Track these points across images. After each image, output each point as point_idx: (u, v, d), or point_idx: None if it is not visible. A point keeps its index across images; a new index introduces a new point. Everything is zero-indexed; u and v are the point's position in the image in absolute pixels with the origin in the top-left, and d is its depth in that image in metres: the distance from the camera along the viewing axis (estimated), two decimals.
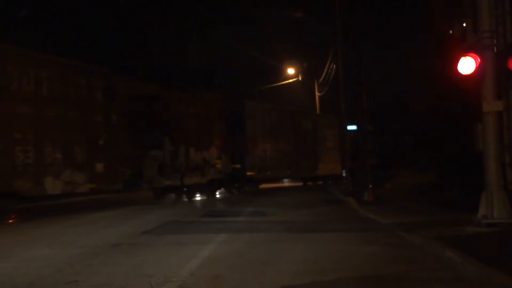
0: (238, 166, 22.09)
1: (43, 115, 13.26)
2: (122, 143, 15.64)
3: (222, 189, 22.21)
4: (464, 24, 9.88)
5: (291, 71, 35.15)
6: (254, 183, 24.15)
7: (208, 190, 20.48)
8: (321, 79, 30.09)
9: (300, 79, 34.88)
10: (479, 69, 9.04)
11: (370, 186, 16.95)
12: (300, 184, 29.91)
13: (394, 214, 12.40)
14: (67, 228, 11.37)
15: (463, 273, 6.20)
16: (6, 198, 12.28)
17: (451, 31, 10.53)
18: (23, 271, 6.69)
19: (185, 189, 19.30)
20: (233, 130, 21.56)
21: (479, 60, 9.02)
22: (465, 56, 9.08)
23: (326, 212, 14.61)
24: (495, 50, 9.25)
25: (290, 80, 35.27)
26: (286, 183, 30.76)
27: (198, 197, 18.63)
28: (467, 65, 9.05)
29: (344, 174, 22.74)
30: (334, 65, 23.79)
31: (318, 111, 32.89)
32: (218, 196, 21.40)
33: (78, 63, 14.94)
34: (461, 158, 15.75)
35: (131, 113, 16.15)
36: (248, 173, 22.70)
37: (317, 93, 33.09)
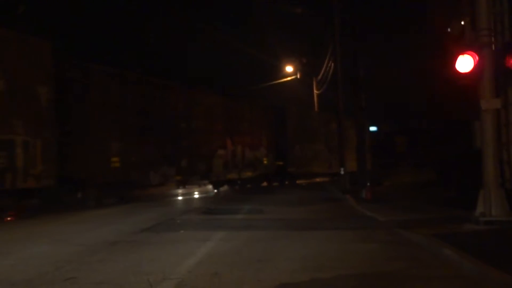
0: (281, 163, 25.88)
1: (147, 124, 17.13)
2: (198, 144, 19.72)
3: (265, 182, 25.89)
4: (462, 22, 9.88)
5: (289, 69, 35.14)
6: (293, 177, 27.47)
7: (258, 182, 24.55)
8: (319, 77, 30.08)
9: (298, 77, 34.87)
10: (477, 67, 9.05)
11: (368, 184, 16.97)
12: (328, 179, 30.89)
13: (392, 211, 12.42)
14: (66, 226, 11.36)
15: (461, 271, 6.21)
16: (125, 185, 16.38)
17: (449, 29, 10.53)
18: (21, 268, 6.69)
19: (239, 181, 23.31)
20: (277, 133, 25.35)
21: (477, 58, 9.03)
22: (463, 54, 9.09)
23: (324, 209, 14.62)
24: (493, 48, 9.26)
25: (289, 78, 35.25)
26: (317, 178, 32.06)
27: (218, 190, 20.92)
28: (465, 63, 9.05)
29: (342, 172, 22.78)
30: (333, 63, 23.78)
31: (316, 109, 32.91)
32: (218, 191, 21.50)
33: (169, 82, 19.16)
34: (459, 156, 15.77)
35: (204, 119, 20.15)
36: (289, 169, 26.21)
37: (315, 91, 33.08)
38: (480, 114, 9.30)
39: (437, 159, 20.82)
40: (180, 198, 19.59)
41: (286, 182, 26.89)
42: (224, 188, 22.84)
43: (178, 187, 22.01)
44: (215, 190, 22.32)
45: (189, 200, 19.29)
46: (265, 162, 24.80)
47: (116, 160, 15.82)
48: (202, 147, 19.89)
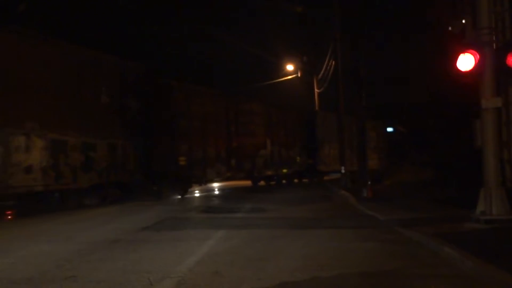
0: (311, 161, 28.51)
1: (206, 128, 20.05)
2: (245, 145, 22.67)
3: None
4: (463, 21, 9.86)
5: (290, 67, 35.11)
6: (321, 174, 29.81)
7: (292, 178, 27.90)
8: (320, 76, 30.08)
9: (299, 75, 34.84)
10: (478, 66, 9.04)
11: (369, 182, 16.96)
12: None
13: (393, 210, 12.42)
14: (66, 224, 11.37)
15: (461, 269, 6.21)
16: (189, 180, 19.58)
17: (450, 28, 10.51)
18: (21, 266, 6.69)
19: (275, 177, 26.40)
20: (308, 134, 28.07)
21: (478, 56, 9.01)
22: (464, 52, 9.07)
23: (324, 208, 14.62)
24: (494, 47, 9.25)
25: (289, 77, 35.23)
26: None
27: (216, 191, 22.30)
28: (466, 61, 9.04)
29: (343, 171, 22.86)
30: (333, 62, 23.77)
31: (317, 108, 32.91)
32: (216, 193, 21.62)
33: (218, 91, 22.32)
34: (459, 155, 15.78)
35: (248, 124, 23.22)
36: (318, 167, 28.66)
37: (316, 90, 33.06)
38: (481, 113, 9.29)
39: (438, 158, 20.83)
40: (186, 196, 19.65)
41: (315, 179, 29.30)
42: (261, 183, 26.30)
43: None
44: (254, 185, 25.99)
45: (192, 198, 19.30)
46: (298, 160, 27.79)
47: (183, 159, 18.85)
48: (247, 148, 23.04)
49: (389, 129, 28.60)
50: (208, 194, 20.67)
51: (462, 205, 10.85)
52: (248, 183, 26.14)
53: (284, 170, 26.33)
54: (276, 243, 8.32)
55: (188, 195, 19.68)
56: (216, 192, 21.83)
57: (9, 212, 13.02)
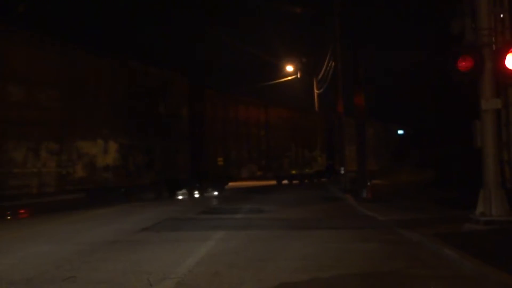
0: (331, 162, 30.65)
1: (239, 132, 22.73)
2: (273, 147, 25.29)
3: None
4: (463, 22, 9.87)
5: (289, 68, 35.13)
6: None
7: (314, 177, 29.85)
8: (319, 77, 30.11)
9: (299, 76, 34.86)
10: (477, 67, 9.04)
11: (369, 183, 16.96)
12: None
13: (392, 211, 12.42)
14: (66, 225, 11.36)
15: (461, 270, 6.22)
16: (223, 178, 21.74)
17: (449, 29, 10.51)
18: (21, 267, 6.69)
19: (298, 176, 28.53)
20: (328, 136, 29.95)
21: (477, 58, 9.02)
22: (463, 54, 9.08)
23: (324, 209, 14.62)
24: (494, 48, 9.25)
25: (289, 78, 35.25)
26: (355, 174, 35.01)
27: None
28: (465, 63, 9.05)
29: (342, 172, 22.87)
30: (333, 63, 23.78)
31: (316, 109, 32.98)
32: (216, 194, 21.63)
33: (251, 99, 25.29)
34: (459, 156, 15.78)
35: (275, 128, 25.77)
36: (337, 167, 29.33)
37: (315, 91, 33.09)
38: (480, 114, 9.29)
39: (438, 158, 20.84)
40: (184, 197, 19.69)
41: (332, 178, 30.40)
42: (284, 181, 28.59)
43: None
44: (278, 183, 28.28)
45: (192, 199, 19.29)
46: (319, 160, 30.24)
47: (221, 159, 21.40)
48: (275, 149, 25.65)
49: (400, 132, 29.83)
50: (208, 195, 20.67)
51: (461, 206, 10.85)
52: (258, 183, 27.57)
53: (307, 170, 28.82)
54: (275, 244, 8.32)
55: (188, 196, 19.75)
56: (216, 193, 21.85)
57: (22, 210, 13.08)
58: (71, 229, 10.68)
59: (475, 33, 9.40)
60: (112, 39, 26.19)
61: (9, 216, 12.77)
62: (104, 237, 9.22)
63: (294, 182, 28.62)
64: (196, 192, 20.07)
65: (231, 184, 23.23)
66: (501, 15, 9.53)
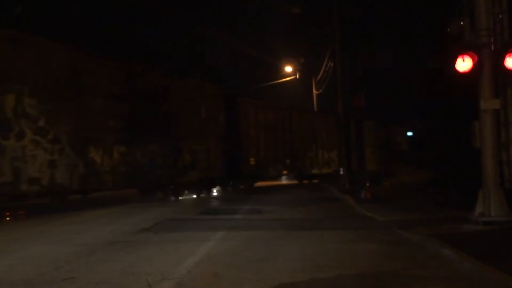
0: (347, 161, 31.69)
1: (268, 134, 24.87)
2: (296, 148, 27.12)
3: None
4: (462, 22, 9.88)
5: (288, 69, 35.15)
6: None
7: (332, 177, 29.59)
8: (318, 77, 30.14)
9: (297, 77, 34.89)
10: (476, 67, 9.05)
11: (368, 184, 16.95)
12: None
13: (391, 211, 12.43)
14: (64, 226, 11.35)
15: (460, 271, 6.22)
16: (253, 177, 24.04)
17: (448, 29, 10.52)
18: (20, 268, 6.68)
19: (318, 175, 29.86)
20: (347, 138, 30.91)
21: (476, 58, 9.03)
22: (462, 54, 9.09)
23: (323, 210, 14.61)
24: (493, 48, 9.26)
25: (288, 78, 35.28)
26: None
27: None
28: (464, 63, 9.06)
29: (341, 172, 22.90)
30: (332, 63, 23.80)
31: (315, 110, 33.04)
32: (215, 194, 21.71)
33: (278, 105, 27.28)
34: (458, 156, 15.78)
35: (299, 131, 27.60)
36: (353, 167, 31.51)
37: (314, 91, 33.12)
38: (479, 114, 9.30)
39: (437, 159, 20.85)
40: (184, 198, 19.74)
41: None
42: (305, 181, 29.96)
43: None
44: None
45: (192, 200, 19.31)
46: (337, 160, 31.05)
47: (253, 160, 23.50)
48: (298, 150, 27.38)
49: (409, 133, 30.64)
50: (208, 195, 20.67)
51: (461, 206, 10.86)
52: (279, 182, 30.24)
53: (326, 170, 30.15)
54: (274, 244, 8.32)
55: (183, 197, 19.78)
56: (215, 194, 21.87)
57: (21, 211, 13.09)
58: (70, 230, 10.67)
59: (474, 34, 9.41)
60: (111, 38, 26.24)
61: (8, 217, 12.76)
62: (103, 238, 9.21)
63: (314, 181, 29.88)
64: (229, 189, 22.56)
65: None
66: (500, 16, 9.54)
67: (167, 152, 17.87)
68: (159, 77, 18.09)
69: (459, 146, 15.17)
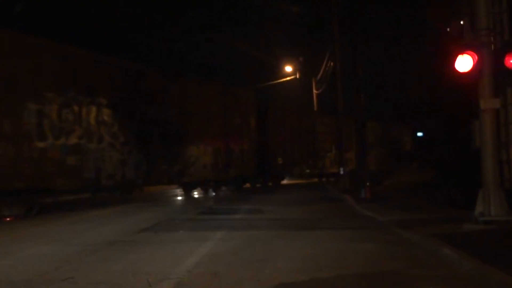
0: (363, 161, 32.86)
1: (293, 136, 27.23)
2: (318, 149, 29.44)
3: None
4: (462, 22, 9.88)
5: (288, 68, 35.14)
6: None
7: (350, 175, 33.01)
8: (318, 77, 30.13)
9: (297, 76, 34.87)
10: (476, 67, 9.05)
11: (368, 183, 16.95)
12: None
13: (392, 211, 12.42)
14: (64, 226, 11.35)
15: (460, 270, 6.22)
16: (280, 175, 27.26)
17: (448, 29, 10.52)
18: (20, 268, 6.68)
19: (336, 174, 30.44)
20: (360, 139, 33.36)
21: (476, 57, 9.02)
22: (462, 53, 9.08)
23: (323, 209, 14.62)
24: (492, 48, 9.25)
25: (288, 78, 35.26)
26: None
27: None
28: (464, 62, 9.04)
29: (342, 172, 22.90)
30: (332, 63, 23.78)
31: (315, 109, 33.08)
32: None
33: (303, 111, 29.59)
34: (458, 156, 15.76)
35: (321, 133, 29.70)
36: (370, 167, 34.13)
37: (314, 91, 33.10)
38: (479, 113, 9.30)
39: (437, 158, 20.83)
40: (182, 197, 19.74)
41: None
42: (323, 179, 31.56)
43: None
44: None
45: (191, 199, 19.32)
46: (354, 160, 33.32)
47: (280, 159, 25.99)
48: (320, 151, 29.50)
49: (419, 134, 31.36)
50: (207, 196, 20.68)
51: (461, 206, 10.85)
52: (302, 181, 31.36)
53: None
54: (274, 244, 8.32)
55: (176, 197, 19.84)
56: (214, 194, 21.88)
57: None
58: (71, 230, 10.68)
59: (474, 33, 9.40)
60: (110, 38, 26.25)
61: (8, 217, 12.75)
62: (103, 238, 9.21)
63: (331, 179, 30.96)
64: (259, 185, 25.10)
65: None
66: (500, 15, 9.54)
67: (209, 153, 20.54)
68: (199, 87, 20.62)
69: (459, 145, 15.16)
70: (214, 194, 21.01)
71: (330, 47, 23.74)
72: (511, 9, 9.64)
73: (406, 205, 13.72)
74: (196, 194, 20.94)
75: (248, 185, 24.60)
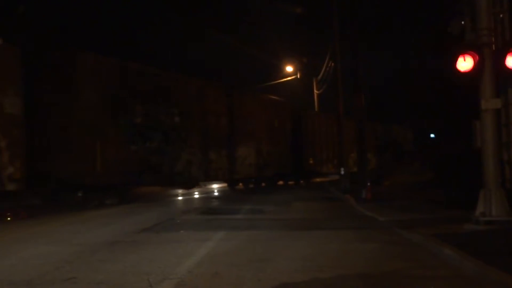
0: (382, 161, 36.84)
1: (322, 138, 29.97)
2: (342, 150, 29.37)
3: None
4: (462, 22, 9.87)
5: (289, 69, 35.15)
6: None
7: (369, 174, 35.22)
8: (319, 77, 30.15)
9: (298, 77, 34.88)
10: (477, 67, 9.04)
11: (368, 184, 16.94)
12: None
13: (392, 211, 12.42)
14: (65, 226, 11.36)
15: (461, 271, 6.21)
16: (311, 173, 29.45)
17: (449, 29, 10.51)
18: (21, 268, 6.69)
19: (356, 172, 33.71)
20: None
21: (477, 58, 9.01)
22: (463, 54, 9.07)
23: (324, 209, 14.62)
24: (493, 48, 9.25)
25: (289, 78, 35.27)
26: None
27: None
28: (465, 63, 9.04)
29: (342, 172, 22.91)
30: (333, 63, 23.78)
31: (316, 109, 33.12)
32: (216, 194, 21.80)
33: (330, 115, 29.79)
34: (459, 156, 15.76)
35: (345, 135, 29.75)
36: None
37: (315, 91, 33.12)
38: (480, 114, 9.29)
39: (438, 159, 20.82)
40: (183, 197, 19.78)
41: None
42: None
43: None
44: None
45: (191, 200, 19.34)
46: (373, 160, 34.66)
47: (311, 159, 28.92)
48: (344, 152, 29.85)
49: (432, 135, 32.04)
50: (207, 196, 20.70)
51: (461, 206, 10.84)
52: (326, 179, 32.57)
53: (373, 167, 33.15)
54: (275, 244, 8.32)
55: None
56: (216, 194, 21.91)
57: (22, 212, 13.17)
58: (71, 230, 10.68)
59: (474, 33, 9.40)
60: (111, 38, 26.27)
61: (9, 217, 12.77)
62: (104, 238, 9.21)
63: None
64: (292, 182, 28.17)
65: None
66: (501, 15, 9.52)
67: (253, 154, 23.67)
68: (252, 101, 24.27)
69: (460, 145, 15.15)
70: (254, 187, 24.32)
71: (331, 46, 23.72)
72: None
73: (406, 206, 13.71)
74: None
75: (281, 182, 27.37)
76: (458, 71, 9.12)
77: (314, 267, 6.48)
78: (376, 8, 22.04)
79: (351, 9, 19.04)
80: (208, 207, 15.97)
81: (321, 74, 28.61)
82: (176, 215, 13.30)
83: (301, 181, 28.95)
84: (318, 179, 31.42)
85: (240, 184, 24.46)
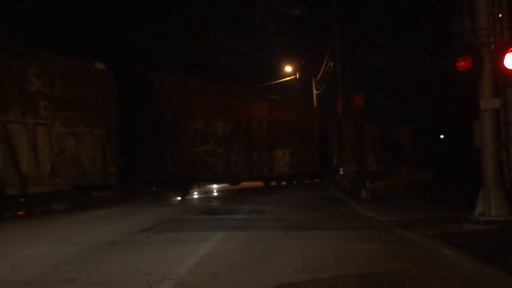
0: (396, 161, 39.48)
1: (343, 140, 28.16)
2: (361, 151, 29.93)
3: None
4: (462, 22, 9.87)
5: (288, 68, 35.14)
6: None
7: (385, 173, 35.46)
8: (318, 77, 30.14)
9: (297, 76, 34.87)
10: (476, 67, 9.04)
11: (368, 183, 16.94)
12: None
13: (392, 211, 12.41)
14: (64, 226, 11.36)
15: (461, 270, 6.22)
16: (334, 172, 28.17)
17: (448, 29, 10.51)
18: (20, 269, 6.69)
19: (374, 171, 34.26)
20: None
21: (476, 57, 9.01)
22: (462, 53, 9.08)
23: (323, 209, 14.59)
24: (493, 48, 9.25)
25: (288, 78, 35.26)
26: None
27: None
28: (464, 62, 9.04)
29: (341, 172, 22.95)
30: (332, 63, 23.78)
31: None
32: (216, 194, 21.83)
33: (351, 118, 28.81)
34: (458, 156, 15.77)
35: (363, 137, 29.98)
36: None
37: (314, 91, 33.10)
38: (480, 114, 9.29)
39: (437, 158, 20.84)
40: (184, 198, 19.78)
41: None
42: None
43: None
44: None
45: (192, 200, 19.34)
46: (388, 160, 38.18)
47: (335, 159, 29.52)
48: (362, 153, 31.78)
49: (442, 136, 32.43)
50: (207, 196, 20.71)
51: (461, 206, 10.84)
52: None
53: (373, 168, 34.20)
54: (274, 245, 8.32)
55: (188, 196, 19.86)
56: (215, 194, 21.93)
57: (21, 212, 13.27)
58: (70, 230, 10.67)
59: (474, 33, 9.40)
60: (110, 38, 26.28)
61: (8, 217, 12.77)
62: (103, 238, 9.21)
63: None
64: (318, 180, 30.45)
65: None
66: (500, 15, 9.53)
67: (288, 154, 26.27)
68: (286, 108, 26.92)
69: (459, 145, 15.15)
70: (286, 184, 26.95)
71: (331, 46, 23.72)
72: (511, 9, 9.64)
73: (406, 205, 13.70)
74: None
75: (307, 180, 29.69)
76: (458, 71, 9.12)
77: (313, 267, 6.48)
78: (376, 8, 22.03)
79: (351, 8, 19.05)
80: (207, 207, 15.96)
81: (320, 74, 28.59)
82: (176, 215, 13.29)
83: (326, 179, 30.82)
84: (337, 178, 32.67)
85: (273, 182, 26.74)
